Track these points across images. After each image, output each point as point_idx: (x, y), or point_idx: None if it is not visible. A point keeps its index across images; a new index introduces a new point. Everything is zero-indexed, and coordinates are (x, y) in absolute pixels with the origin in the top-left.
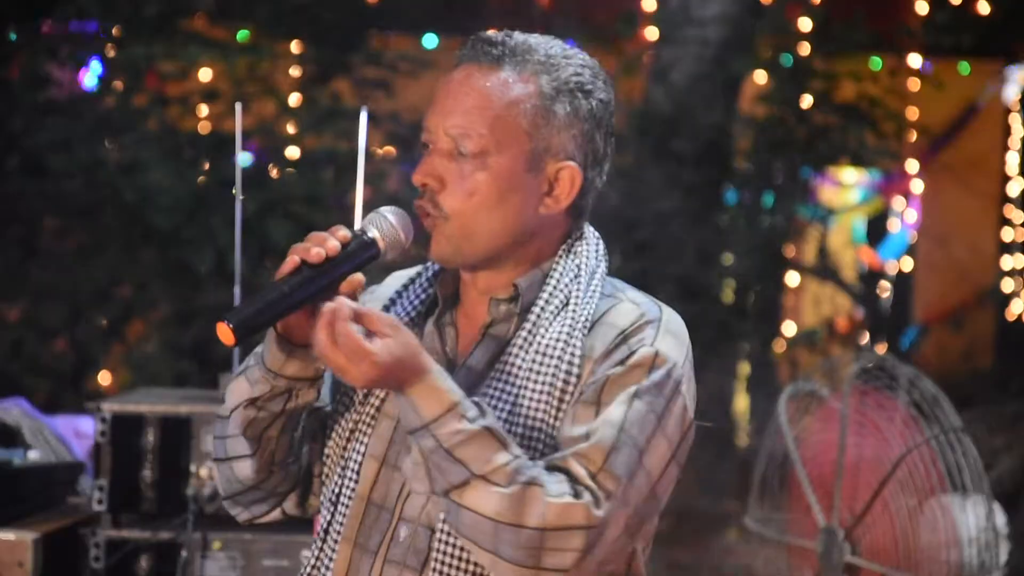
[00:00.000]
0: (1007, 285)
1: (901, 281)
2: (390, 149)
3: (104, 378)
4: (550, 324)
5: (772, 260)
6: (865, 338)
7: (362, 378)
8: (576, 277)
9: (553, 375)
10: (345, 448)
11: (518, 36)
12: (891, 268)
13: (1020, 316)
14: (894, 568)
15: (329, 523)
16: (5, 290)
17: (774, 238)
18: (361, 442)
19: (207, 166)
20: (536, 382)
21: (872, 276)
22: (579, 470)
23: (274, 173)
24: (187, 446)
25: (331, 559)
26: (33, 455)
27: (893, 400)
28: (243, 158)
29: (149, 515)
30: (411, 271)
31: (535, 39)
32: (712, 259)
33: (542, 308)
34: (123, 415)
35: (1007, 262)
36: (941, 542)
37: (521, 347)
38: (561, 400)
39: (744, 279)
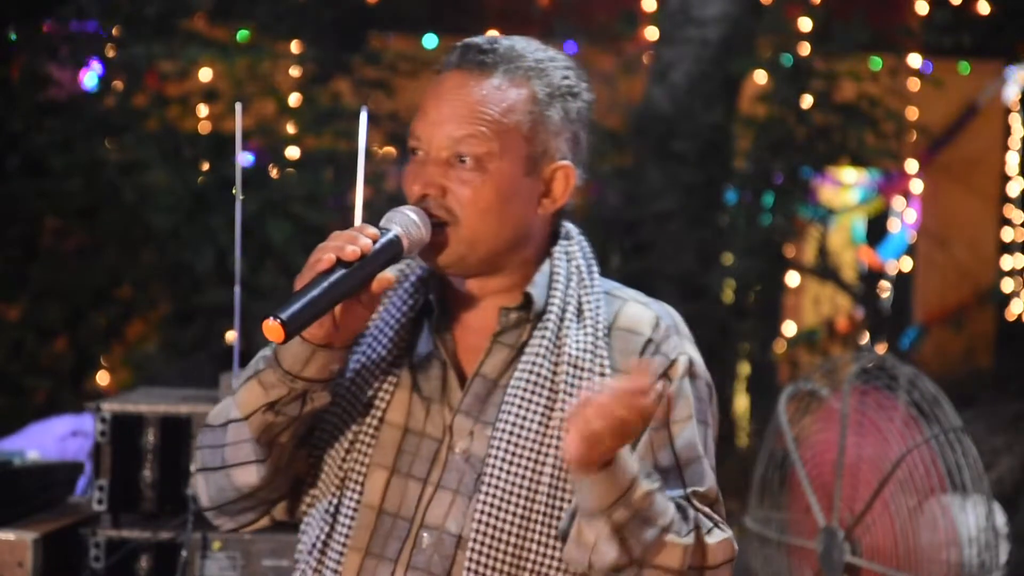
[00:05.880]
0: (1007, 285)
1: (901, 281)
2: (390, 149)
3: (104, 378)
4: (573, 333)
5: (772, 260)
6: (865, 338)
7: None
8: (580, 280)
9: (588, 388)
10: (344, 459)
11: (504, 41)
12: (891, 268)
13: (1020, 316)
14: (894, 568)
15: (329, 535)
16: (5, 290)
17: (774, 238)
18: (363, 452)
19: (207, 166)
20: (573, 395)
21: (872, 276)
22: (704, 508)
23: (274, 173)
24: (187, 446)
25: (335, 571)
26: (33, 455)
27: (893, 400)
28: (243, 158)
29: (149, 515)
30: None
31: (520, 43)
32: (712, 259)
33: (559, 316)
34: (123, 415)
35: (1007, 262)
36: (941, 542)
37: (545, 356)
38: None
39: (744, 279)
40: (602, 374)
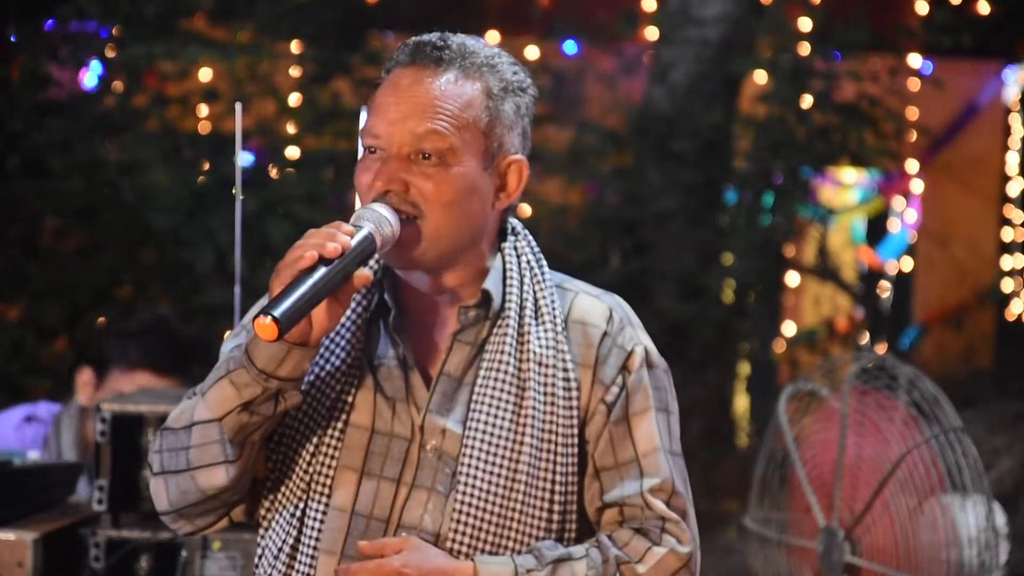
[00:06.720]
0: (1007, 285)
1: (901, 281)
2: None
3: None
4: (534, 330)
5: (772, 260)
6: (865, 338)
7: None
8: (533, 275)
9: (553, 384)
10: (310, 463)
11: (454, 37)
12: (891, 268)
13: (1020, 316)
14: (894, 568)
15: (297, 539)
16: (5, 290)
17: (774, 238)
18: (330, 456)
19: (207, 166)
20: (540, 392)
21: (872, 276)
22: (657, 504)
23: (274, 173)
24: None
25: (307, 575)
26: (33, 455)
27: (893, 400)
28: (243, 158)
29: (149, 515)
30: None
31: (468, 40)
32: (712, 259)
33: (518, 313)
34: (123, 415)
35: (1007, 262)
36: (941, 542)
37: (509, 354)
38: (568, 408)
39: (744, 279)
40: (565, 369)
